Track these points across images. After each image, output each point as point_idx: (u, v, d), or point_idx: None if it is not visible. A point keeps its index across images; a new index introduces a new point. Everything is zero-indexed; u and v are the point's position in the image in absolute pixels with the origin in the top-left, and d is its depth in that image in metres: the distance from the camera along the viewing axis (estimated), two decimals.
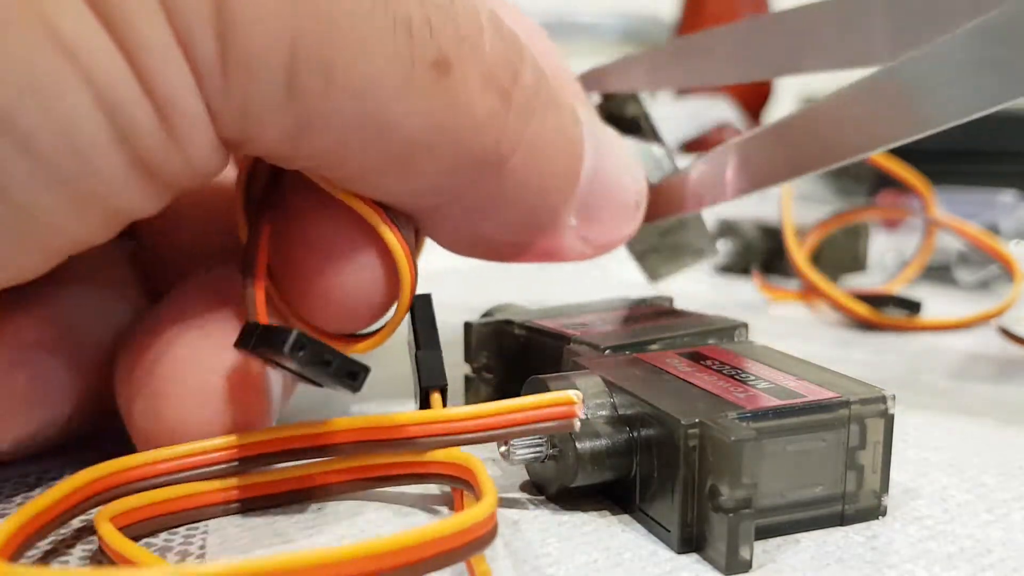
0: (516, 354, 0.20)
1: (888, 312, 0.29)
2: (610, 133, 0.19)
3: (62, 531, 0.15)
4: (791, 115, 0.19)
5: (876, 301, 0.30)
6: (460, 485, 0.15)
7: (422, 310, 0.17)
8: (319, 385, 0.14)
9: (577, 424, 0.14)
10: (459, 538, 0.11)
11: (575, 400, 0.14)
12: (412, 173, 0.15)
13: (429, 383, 0.16)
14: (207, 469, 0.15)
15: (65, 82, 0.12)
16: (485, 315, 0.21)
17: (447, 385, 0.16)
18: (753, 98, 0.64)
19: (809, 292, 0.31)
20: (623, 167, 0.19)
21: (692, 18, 0.70)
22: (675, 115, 0.58)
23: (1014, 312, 0.30)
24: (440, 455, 0.15)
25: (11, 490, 0.16)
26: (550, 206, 0.17)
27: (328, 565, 0.10)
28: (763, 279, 0.34)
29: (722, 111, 0.59)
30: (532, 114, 0.16)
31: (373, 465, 0.15)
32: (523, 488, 0.16)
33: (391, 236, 0.15)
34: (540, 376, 0.16)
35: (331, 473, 0.15)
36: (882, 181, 0.47)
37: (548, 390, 0.15)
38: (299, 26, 0.12)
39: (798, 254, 0.30)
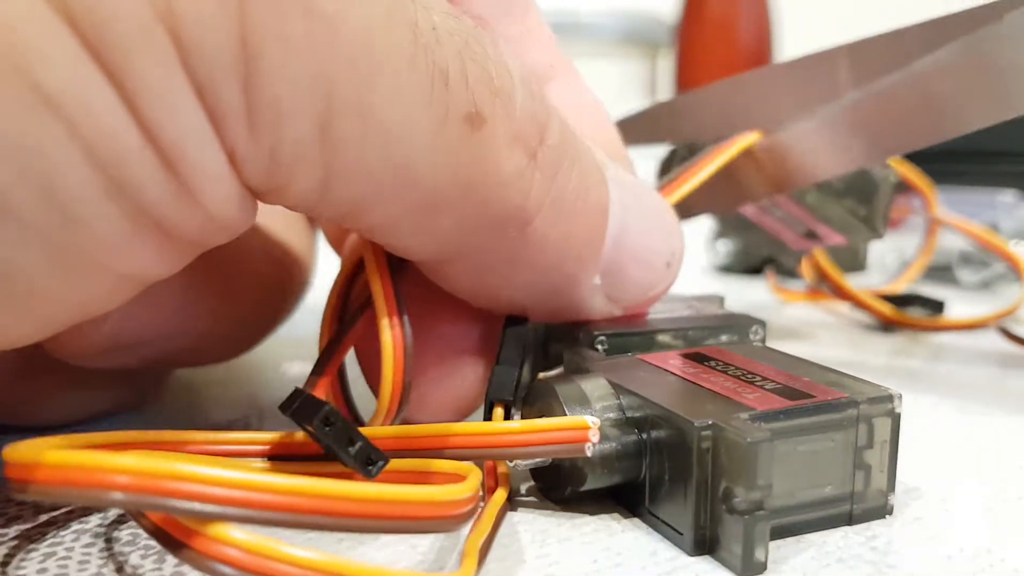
0: (545, 342, 0.20)
1: (911, 312, 0.30)
2: (645, 191, 0.18)
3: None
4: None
5: (900, 301, 0.30)
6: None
7: (513, 331, 0.17)
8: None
9: (589, 450, 0.14)
10: (424, 508, 0.11)
11: (590, 426, 0.14)
12: (435, 226, 0.14)
13: (494, 396, 0.16)
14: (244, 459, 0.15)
15: (46, 136, 0.10)
16: None
17: (512, 400, 0.16)
18: None
19: (821, 293, 0.31)
20: (655, 227, 0.18)
21: (692, 18, 0.70)
22: None
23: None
24: (439, 465, 0.15)
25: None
26: (572, 269, 0.17)
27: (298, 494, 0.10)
28: (776, 280, 0.34)
29: None
30: (557, 174, 0.15)
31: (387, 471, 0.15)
32: (526, 490, 0.16)
33: (387, 336, 0.15)
34: (544, 378, 0.16)
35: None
36: None
37: (554, 392, 0.15)
38: (336, 71, 0.12)
39: (821, 255, 0.30)
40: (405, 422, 0.16)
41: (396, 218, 0.14)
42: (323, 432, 0.13)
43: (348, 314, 0.17)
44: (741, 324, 0.19)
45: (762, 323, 0.19)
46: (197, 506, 0.10)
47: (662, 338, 0.18)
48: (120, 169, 0.11)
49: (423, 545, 0.14)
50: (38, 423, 0.18)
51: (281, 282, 0.20)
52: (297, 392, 0.15)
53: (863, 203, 0.27)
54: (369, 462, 0.13)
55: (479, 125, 0.13)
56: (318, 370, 0.16)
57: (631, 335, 0.18)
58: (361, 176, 0.13)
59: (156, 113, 0.11)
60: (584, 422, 0.14)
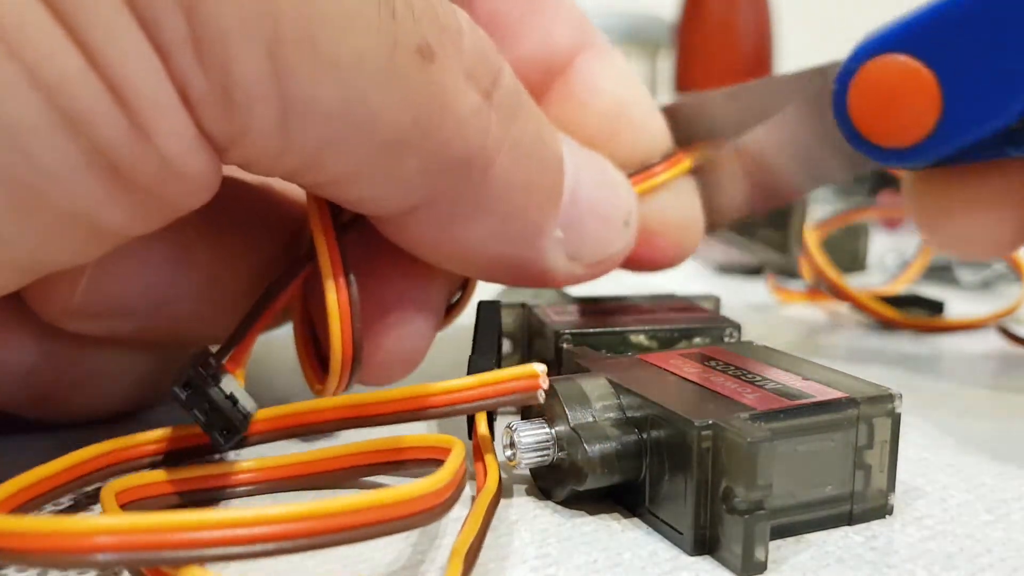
0: (531, 338, 0.21)
1: (911, 313, 0.30)
2: (595, 153, 0.18)
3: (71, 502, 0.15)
4: None
5: (899, 302, 0.30)
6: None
7: (485, 316, 0.17)
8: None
9: (541, 396, 0.15)
10: (400, 508, 0.11)
11: (539, 373, 0.14)
12: (398, 172, 0.14)
13: None
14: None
15: None
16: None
17: None
18: None
19: (820, 293, 0.31)
20: (609, 184, 0.18)
21: (692, 18, 0.70)
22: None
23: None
24: (417, 439, 0.15)
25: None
26: (535, 216, 0.16)
27: (266, 522, 0.10)
28: (775, 280, 0.34)
29: None
30: (514, 117, 0.15)
31: (356, 453, 0.16)
32: (526, 490, 0.16)
33: (332, 297, 0.15)
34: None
35: (317, 463, 0.16)
36: (882, 181, 0.47)
37: (554, 391, 0.15)
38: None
39: (819, 256, 0.30)
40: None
41: (360, 164, 0.14)
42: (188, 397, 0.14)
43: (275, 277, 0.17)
44: (716, 326, 0.19)
45: (737, 326, 0.19)
46: (180, 554, 0.10)
47: (633, 338, 0.18)
48: (68, 99, 0.11)
49: (422, 544, 0.14)
50: (70, 416, 0.19)
51: (275, 255, 0.20)
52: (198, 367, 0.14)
53: (779, 229, 0.28)
54: (227, 429, 0.14)
55: (430, 58, 0.14)
56: (235, 339, 0.15)
57: (600, 334, 0.18)
58: (319, 115, 0.13)
59: (94, 35, 0.11)
60: (533, 370, 0.14)
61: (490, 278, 0.18)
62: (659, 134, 0.20)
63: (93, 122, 0.11)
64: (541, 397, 0.15)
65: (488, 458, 0.15)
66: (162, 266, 0.17)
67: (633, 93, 0.20)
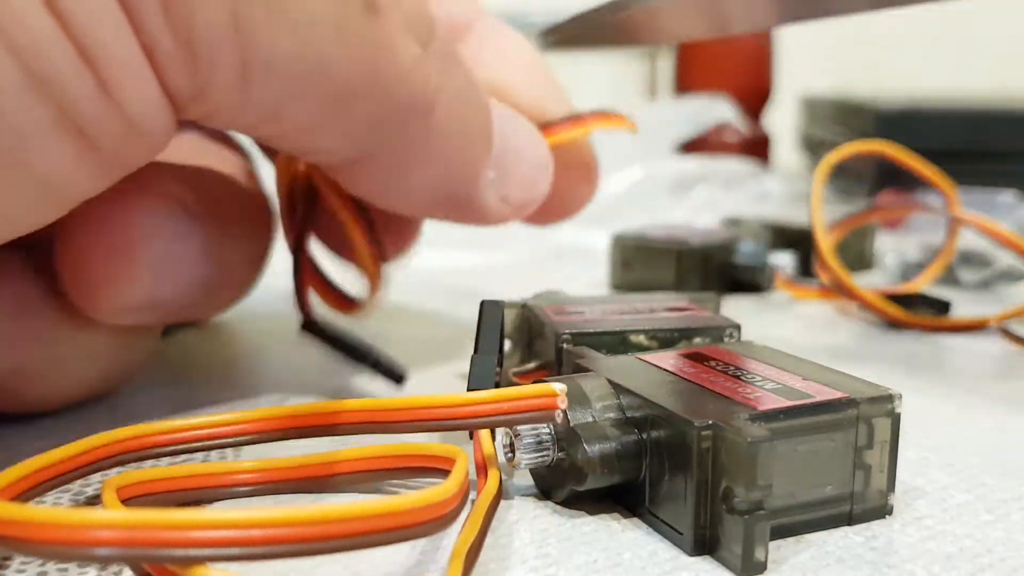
0: (531, 338, 0.21)
1: (918, 312, 0.29)
2: (505, 106, 0.20)
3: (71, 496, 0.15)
4: None
5: (906, 301, 0.30)
6: (442, 479, 0.15)
7: (488, 315, 0.18)
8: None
9: (559, 416, 0.14)
10: (408, 516, 0.11)
11: (558, 392, 0.14)
12: (346, 123, 0.15)
13: (474, 387, 0.16)
14: (217, 441, 0.15)
15: None
16: (536, 298, 0.22)
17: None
18: (753, 98, 0.64)
19: (832, 291, 0.31)
20: (526, 130, 0.20)
21: None
22: (674, 115, 0.58)
23: None
24: (422, 448, 0.15)
25: None
26: (471, 159, 0.18)
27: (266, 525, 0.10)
28: (784, 277, 0.34)
29: (722, 111, 0.59)
30: (449, 67, 0.17)
31: (359, 459, 0.16)
32: (526, 490, 0.16)
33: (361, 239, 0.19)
34: (545, 379, 0.16)
35: (319, 466, 0.16)
36: (882, 181, 0.47)
37: None
38: None
39: (830, 255, 0.30)
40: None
41: (313, 115, 0.15)
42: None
43: (297, 214, 0.21)
44: (716, 326, 0.19)
45: (736, 326, 0.19)
46: (182, 552, 0.10)
47: (633, 338, 0.18)
48: (38, 60, 0.11)
49: (422, 545, 0.14)
50: (25, 406, 0.19)
51: (265, 221, 0.22)
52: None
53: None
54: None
55: (376, 12, 0.15)
56: (298, 267, 0.19)
57: (600, 334, 0.18)
58: (277, 70, 0.14)
59: (70, 7, 0.11)
60: (552, 389, 0.14)
61: (431, 217, 0.20)
62: (556, 96, 0.22)
63: (62, 83, 0.12)
64: (559, 417, 0.14)
65: (488, 459, 0.15)
66: (209, 259, 0.19)
67: (527, 58, 0.22)
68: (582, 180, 0.23)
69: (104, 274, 0.17)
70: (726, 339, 0.19)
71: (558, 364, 0.19)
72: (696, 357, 0.17)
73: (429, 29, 0.16)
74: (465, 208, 0.19)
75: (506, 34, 0.22)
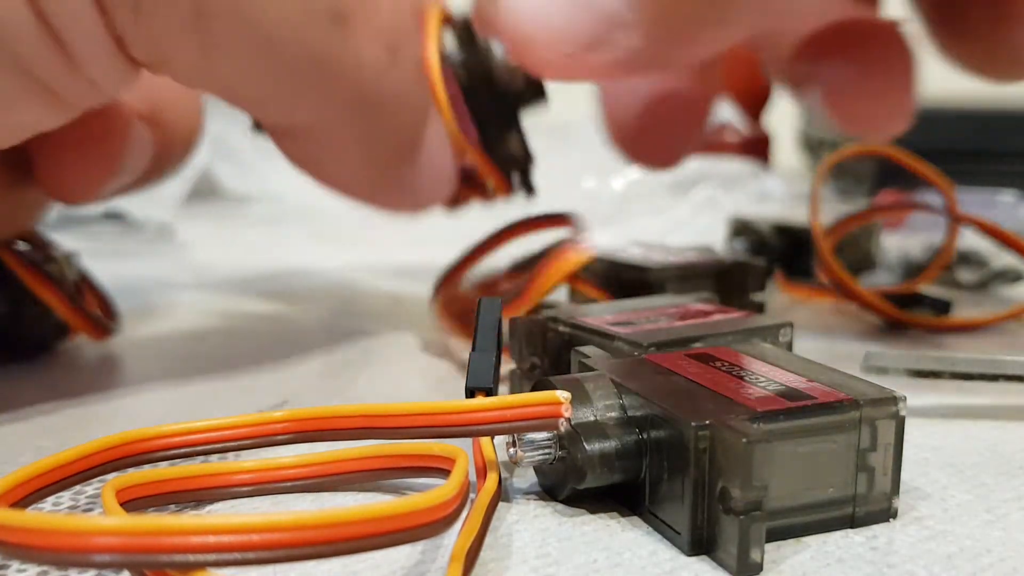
0: (560, 351, 0.20)
1: (918, 312, 0.29)
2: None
3: (71, 500, 0.15)
4: None
5: (905, 301, 0.30)
6: (441, 478, 0.15)
7: (486, 312, 0.17)
8: None
9: (563, 425, 0.14)
10: (408, 519, 0.11)
11: (562, 400, 0.14)
12: (299, 104, 0.17)
13: (472, 384, 0.16)
14: (217, 445, 0.16)
15: None
16: (540, 309, 0.21)
17: (494, 388, 0.16)
18: (753, 98, 0.64)
19: (833, 292, 0.31)
20: (443, 135, 0.21)
21: None
22: None
23: None
24: (421, 448, 0.15)
25: None
26: (408, 148, 0.20)
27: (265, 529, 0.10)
28: (785, 278, 0.34)
29: (722, 111, 0.59)
30: (417, 72, 0.18)
31: (358, 458, 0.16)
32: (526, 489, 0.16)
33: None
34: (548, 378, 0.16)
35: (317, 466, 0.16)
36: (882, 181, 0.47)
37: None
38: None
39: (829, 255, 0.30)
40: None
41: (266, 95, 0.17)
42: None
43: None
44: (771, 326, 0.19)
45: (789, 324, 0.19)
46: (182, 558, 0.10)
47: (697, 346, 0.18)
48: (12, 44, 0.14)
49: (422, 545, 0.14)
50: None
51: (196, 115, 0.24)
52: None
53: None
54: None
55: (342, 22, 0.16)
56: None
57: (669, 344, 0.18)
58: (235, 57, 0.15)
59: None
60: (556, 396, 0.14)
61: (354, 195, 0.22)
62: None
63: (35, 63, 0.14)
64: (563, 426, 0.14)
65: (488, 459, 0.15)
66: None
67: None
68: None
69: (83, 166, 0.19)
70: (780, 337, 0.19)
71: (565, 363, 0.18)
72: (702, 357, 0.17)
73: (401, 38, 0.17)
74: (389, 192, 0.21)
75: None
